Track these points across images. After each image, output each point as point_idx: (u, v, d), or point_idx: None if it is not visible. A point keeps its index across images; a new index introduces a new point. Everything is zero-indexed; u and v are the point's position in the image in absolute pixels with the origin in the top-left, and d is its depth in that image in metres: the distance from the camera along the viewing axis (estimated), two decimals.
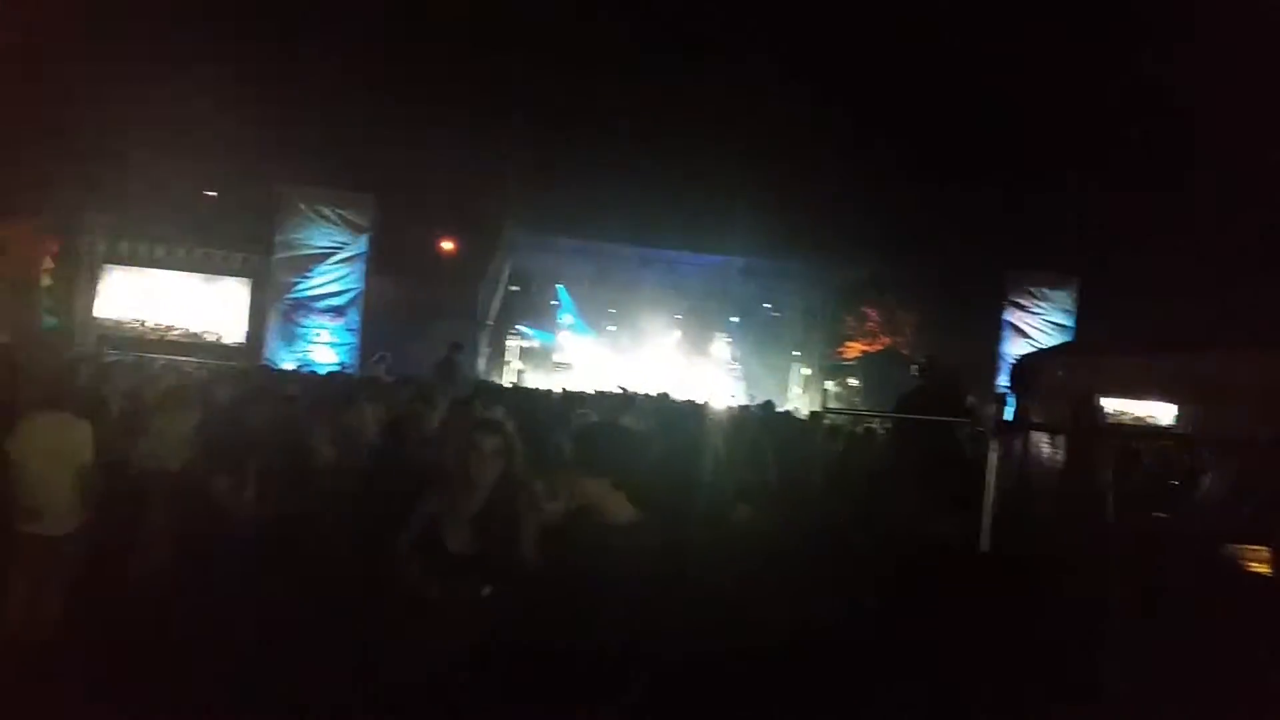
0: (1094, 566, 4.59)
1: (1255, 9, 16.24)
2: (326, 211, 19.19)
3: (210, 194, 22.24)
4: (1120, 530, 4.90)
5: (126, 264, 19.93)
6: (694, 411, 10.31)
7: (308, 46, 21.01)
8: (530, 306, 24.73)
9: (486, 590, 3.74)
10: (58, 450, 5.59)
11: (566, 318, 25.11)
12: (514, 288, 23.63)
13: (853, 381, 24.94)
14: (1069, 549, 4.68)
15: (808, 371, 25.22)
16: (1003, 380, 19.49)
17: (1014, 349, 21.32)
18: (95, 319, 19.46)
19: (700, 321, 25.39)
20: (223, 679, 4.42)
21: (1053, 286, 22.56)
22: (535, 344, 24.73)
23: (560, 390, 13.56)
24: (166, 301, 20.26)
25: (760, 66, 22.38)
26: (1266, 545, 4.86)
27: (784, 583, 4.89)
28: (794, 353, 25.70)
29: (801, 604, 4.79)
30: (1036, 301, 22.50)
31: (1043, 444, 5.13)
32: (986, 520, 4.23)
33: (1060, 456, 5.11)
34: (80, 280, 19.17)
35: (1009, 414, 5.43)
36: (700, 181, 22.02)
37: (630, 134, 23.41)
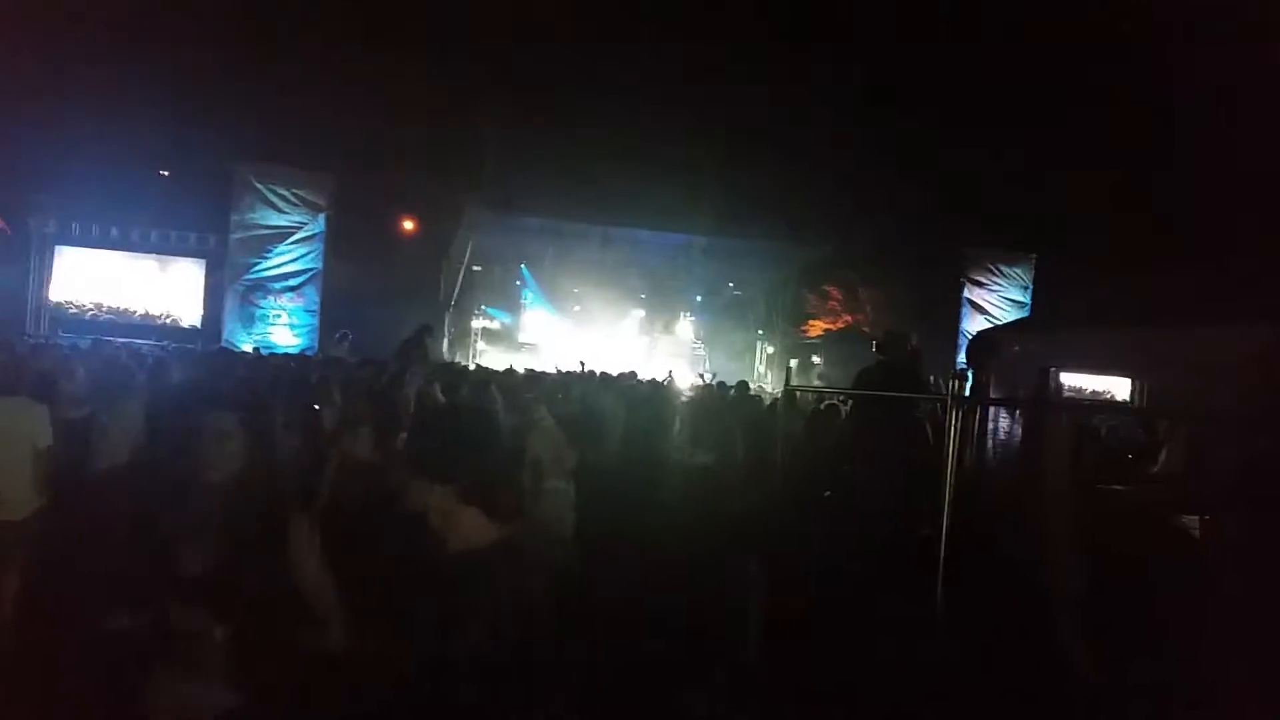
0: (1051, 539, 4.67)
1: None
2: (283, 191, 18.93)
3: (164, 173, 21.83)
4: (1077, 503, 4.99)
5: (79, 245, 19.55)
6: (661, 392, 10.33)
7: (264, 24, 20.63)
8: (493, 286, 24.57)
9: None
10: (12, 434, 5.51)
11: (530, 298, 24.99)
12: (476, 268, 23.47)
13: (816, 359, 25.13)
14: (1026, 522, 4.76)
15: (772, 350, 25.36)
16: (961, 356, 19.73)
17: (973, 325, 21.60)
18: (48, 301, 19.09)
19: (664, 301, 25.39)
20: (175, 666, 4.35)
21: (1010, 263, 22.86)
22: (499, 324, 24.60)
23: (525, 371, 13.52)
24: (120, 283, 19.92)
25: (721, 47, 22.36)
26: (1220, 516, 4.97)
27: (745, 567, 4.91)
28: (758, 331, 25.82)
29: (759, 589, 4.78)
30: (994, 278, 22.80)
31: (1000, 418, 5.20)
32: (946, 494, 4.28)
33: (1017, 431, 5.18)
34: (31, 263, 18.78)
35: (968, 390, 5.49)
36: (662, 160, 21.98)
37: (592, 113, 23.30)
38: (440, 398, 6.87)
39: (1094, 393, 16.24)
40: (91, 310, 19.68)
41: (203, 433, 2.90)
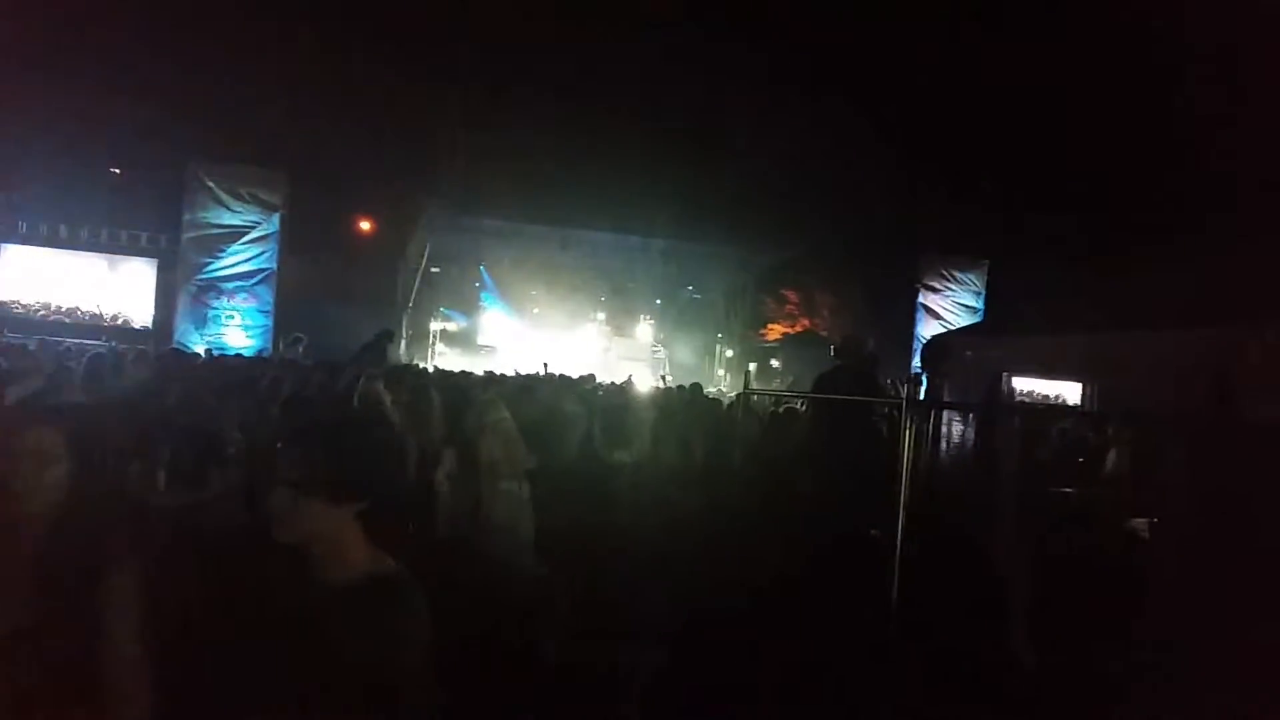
0: (1002, 540, 4.75)
1: None
2: (236, 189, 18.68)
3: (115, 171, 21.42)
4: (1027, 505, 5.08)
5: (26, 244, 19.13)
6: (621, 395, 10.34)
7: (218, 19, 20.32)
8: (451, 288, 24.47)
9: None
10: None
11: (489, 299, 24.93)
12: (434, 269, 23.33)
13: (774, 363, 25.30)
14: (978, 524, 4.84)
15: (730, 353, 25.50)
16: (916, 361, 19.98)
17: (927, 330, 21.87)
18: None
19: (623, 303, 25.45)
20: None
21: (963, 269, 23.19)
22: (457, 326, 24.49)
23: (484, 373, 13.44)
24: (69, 283, 19.52)
25: (679, 51, 22.42)
26: (1165, 517, 5.08)
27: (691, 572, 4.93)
28: (717, 335, 25.95)
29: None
30: (947, 284, 23.11)
31: (954, 422, 5.28)
32: (901, 498, 4.34)
33: (970, 435, 5.26)
34: None
35: (922, 394, 5.57)
36: (621, 163, 21.97)
37: (551, 114, 23.25)
38: (384, 395, 6.82)
39: (1044, 397, 16.53)
40: (40, 310, 19.25)
41: (21, 453, 2.33)
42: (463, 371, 14.04)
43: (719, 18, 23.24)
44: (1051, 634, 4.45)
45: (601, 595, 4.52)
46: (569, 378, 12.90)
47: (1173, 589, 3.98)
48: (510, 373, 14.32)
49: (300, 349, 15.31)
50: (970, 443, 5.38)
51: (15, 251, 19.07)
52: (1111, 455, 8.22)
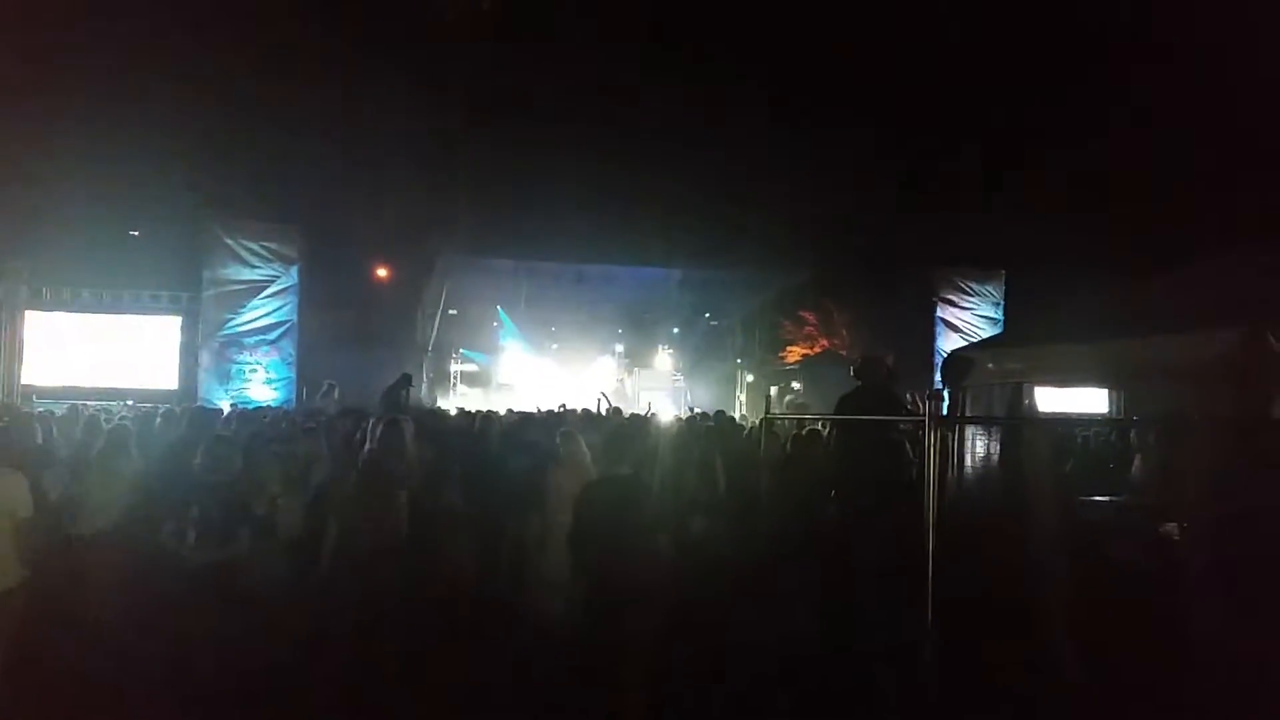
0: (1035, 552, 4.72)
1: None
2: (252, 245, 18.94)
3: (134, 233, 21.73)
4: (1059, 515, 5.05)
5: (50, 310, 19.40)
6: (643, 426, 10.35)
7: (227, 79, 20.67)
8: (469, 329, 24.62)
9: None
10: None
11: (507, 339, 25.05)
12: (452, 311, 23.50)
13: (796, 385, 25.22)
14: (1010, 537, 4.81)
15: (751, 378, 25.45)
16: (938, 376, 19.84)
17: (947, 344, 21.72)
18: (20, 367, 18.88)
19: (642, 334, 25.50)
20: None
21: (980, 280, 23.07)
22: (476, 366, 24.62)
23: (506, 411, 13.48)
24: (94, 346, 19.74)
25: (686, 79, 22.59)
26: (1195, 520, 5.03)
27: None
28: (737, 360, 25.92)
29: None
30: (965, 296, 23.00)
31: (978, 436, 5.26)
32: (930, 515, 4.32)
33: (996, 447, 5.24)
34: (2, 330, 18.60)
35: (945, 409, 5.56)
36: (631, 196, 22.10)
37: (559, 150, 23.44)
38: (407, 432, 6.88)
39: (1069, 406, 16.39)
40: (65, 374, 19.45)
41: None
42: (477, 411, 14.08)
43: (725, 47, 23.43)
44: (1093, 644, 4.41)
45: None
46: (591, 413, 12.92)
47: (1209, 591, 3.94)
48: (532, 410, 14.36)
49: (335, 395, 15.52)
50: (996, 456, 5.35)
51: (41, 318, 19.33)
52: (1138, 460, 8.15)
